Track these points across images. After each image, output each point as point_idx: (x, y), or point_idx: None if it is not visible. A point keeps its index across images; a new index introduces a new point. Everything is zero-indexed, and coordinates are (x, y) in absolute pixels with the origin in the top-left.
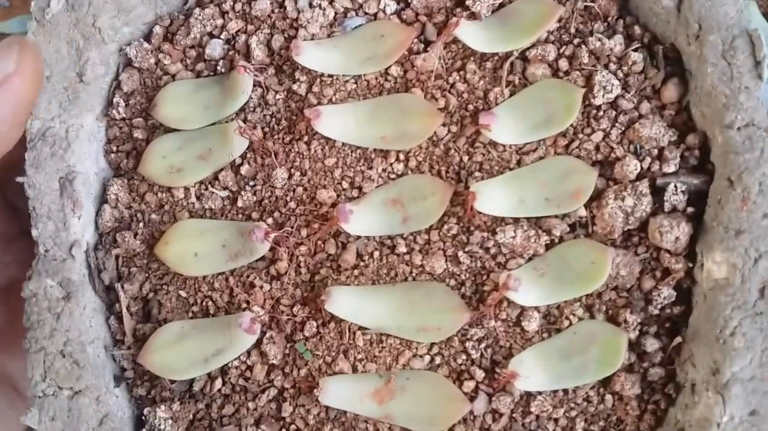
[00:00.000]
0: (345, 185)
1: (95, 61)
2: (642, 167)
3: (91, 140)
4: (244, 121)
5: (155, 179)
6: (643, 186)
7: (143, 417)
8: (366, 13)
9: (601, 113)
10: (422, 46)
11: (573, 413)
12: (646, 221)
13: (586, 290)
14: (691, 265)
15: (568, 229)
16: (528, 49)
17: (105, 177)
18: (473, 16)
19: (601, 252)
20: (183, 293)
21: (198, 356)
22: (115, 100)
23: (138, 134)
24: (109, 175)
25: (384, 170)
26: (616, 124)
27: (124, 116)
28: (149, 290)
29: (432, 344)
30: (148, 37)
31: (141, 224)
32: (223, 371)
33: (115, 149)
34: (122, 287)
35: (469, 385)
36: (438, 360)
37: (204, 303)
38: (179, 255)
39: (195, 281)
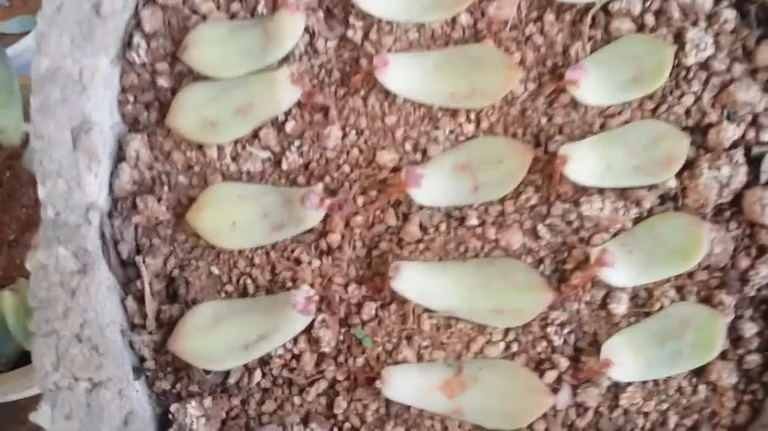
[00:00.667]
0: (408, 147)
1: None
2: (737, 135)
3: (106, 86)
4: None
5: (185, 134)
6: (739, 155)
7: (170, 415)
8: None
9: (691, 74)
10: None
11: (665, 406)
12: (739, 194)
13: (680, 268)
14: None
15: (658, 201)
16: (611, 1)
17: (120, 132)
18: None
19: (697, 226)
20: (215, 270)
21: (238, 342)
22: (135, 40)
23: (162, 82)
24: (124, 130)
25: (452, 132)
26: (708, 86)
27: (145, 60)
28: (175, 265)
29: (508, 329)
30: None
31: (166, 188)
32: (263, 361)
33: (132, 98)
34: (143, 261)
35: (551, 375)
36: (515, 347)
37: (241, 281)
38: (215, 224)
39: (230, 256)
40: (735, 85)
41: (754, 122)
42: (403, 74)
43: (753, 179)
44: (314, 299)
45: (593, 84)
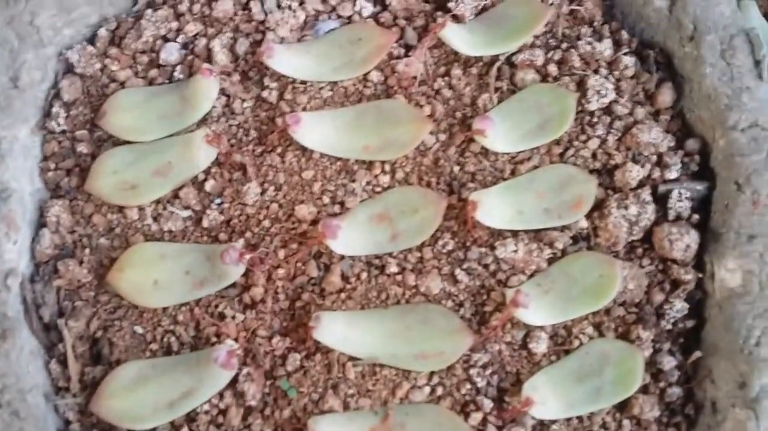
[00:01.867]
0: (326, 199)
1: (31, 65)
2: (643, 174)
3: (26, 155)
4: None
5: (105, 198)
6: (646, 194)
7: None
8: (340, 16)
9: (595, 119)
10: (403, 51)
11: None
12: (650, 231)
13: (595, 305)
14: (700, 275)
15: (571, 241)
16: (515, 54)
17: (41, 199)
18: (456, 19)
19: (609, 265)
20: (139, 329)
21: (162, 400)
22: (54, 110)
23: (82, 148)
24: (46, 196)
25: (368, 183)
26: (612, 130)
27: (65, 128)
28: (98, 327)
29: (432, 373)
30: (92, 40)
31: (87, 251)
32: (189, 418)
33: (53, 166)
34: (66, 324)
35: (476, 417)
36: (440, 390)
37: (165, 340)
38: (136, 284)
39: (153, 315)
40: (638, 128)
41: (659, 162)
42: (317, 131)
43: (661, 216)
44: (237, 353)
45: (501, 133)
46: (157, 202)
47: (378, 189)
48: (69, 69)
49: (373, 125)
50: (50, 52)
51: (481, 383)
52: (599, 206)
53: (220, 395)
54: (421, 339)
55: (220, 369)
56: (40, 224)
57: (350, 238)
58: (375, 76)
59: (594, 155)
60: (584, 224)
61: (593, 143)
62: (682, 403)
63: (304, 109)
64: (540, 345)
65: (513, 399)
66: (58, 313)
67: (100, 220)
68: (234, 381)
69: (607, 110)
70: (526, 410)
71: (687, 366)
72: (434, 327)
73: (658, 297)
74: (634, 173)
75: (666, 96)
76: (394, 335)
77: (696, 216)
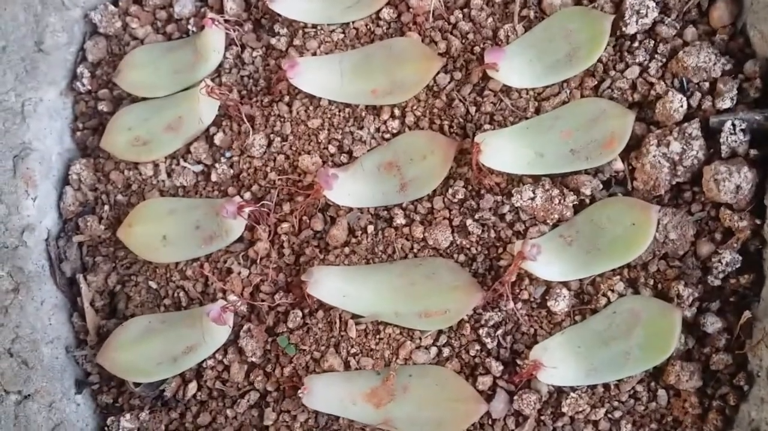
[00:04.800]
0: (332, 149)
1: (56, 28)
2: (690, 105)
3: (54, 116)
4: (220, 84)
5: (119, 155)
6: (693, 128)
7: (106, 428)
8: None
9: (636, 44)
10: None
11: (617, 413)
12: (699, 171)
13: (626, 258)
14: (759, 222)
15: (602, 186)
16: None
17: (71, 158)
18: None
19: (643, 211)
20: (153, 284)
21: (166, 354)
22: (78, 71)
23: (103, 107)
24: (77, 155)
25: (377, 130)
26: (656, 55)
27: (90, 88)
28: (116, 281)
29: (439, 332)
30: (116, 1)
31: (106, 207)
32: (199, 373)
33: (81, 126)
34: (85, 278)
35: (484, 381)
36: (446, 351)
37: (176, 294)
38: (145, 239)
39: (167, 270)
40: (686, 51)
41: (711, 90)
42: (319, 76)
43: (714, 153)
44: (230, 309)
45: (520, 66)
46: (172, 157)
47: (387, 136)
48: (94, 30)
49: (380, 67)
50: (76, 14)
51: (491, 344)
52: (637, 144)
53: (225, 350)
54: (425, 295)
55: (214, 325)
56: (67, 182)
57: (356, 189)
58: (387, 13)
59: (633, 86)
60: (619, 165)
61: (632, 72)
62: (731, 372)
63: (314, 54)
64: (560, 303)
65: (526, 363)
66: (81, 268)
67: (117, 177)
68: (236, 338)
69: (651, 32)
70: (534, 375)
71: (738, 329)
72: (440, 283)
73: (706, 249)
74: (676, 103)
75: (722, 12)
76: (397, 291)
77: (754, 152)
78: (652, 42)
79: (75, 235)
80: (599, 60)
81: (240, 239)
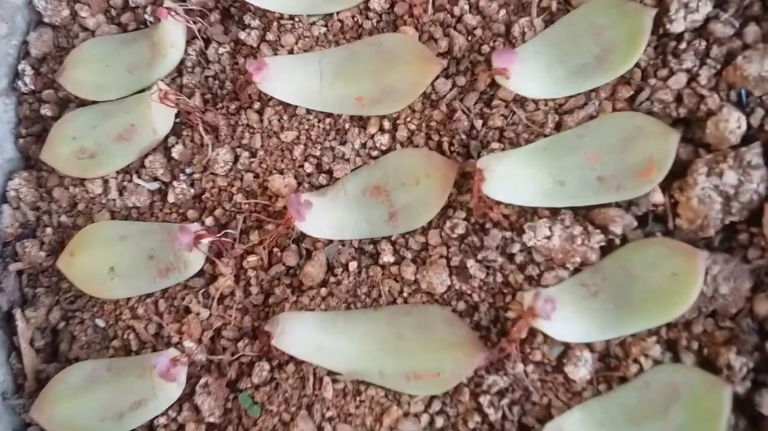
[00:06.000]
0: (309, 167)
1: None
2: (750, 125)
3: None
4: (180, 87)
5: (62, 169)
6: (753, 153)
7: None
8: None
9: (683, 45)
10: None
11: None
12: (760, 209)
13: (664, 317)
14: None
15: (636, 223)
16: None
17: (12, 170)
18: None
19: (688, 258)
20: (101, 323)
21: (111, 410)
22: (20, 67)
23: (47, 111)
24: (20, 166)
25: (363, 146)
26: (708, 60)
27: (33, 87)
28: (59, 318)
29: (431, 397)
30: None
31: (49, 230)
32: (150, 429)
33: (24, 132)
34: (23, 313)
35: None
36: (440, 421)
37: (126, 336)
38: (89, 271)
39: (116, 306)
40: (746, 56)
41: None
42: (295, 79)
43: None
44: (183, 361)
45: (536, 71)
46: (125, 172)
47: (375, 153)
48: (39, 19)
49: (368, 69)
50: (17, 1)
51: (494, 415)
52: (681, 172)
53: (179, 407)
54: (416, 351)
55: (161, 380)
56: (5, 199)
57: (336, 217)
58: (378, 3)
59: (678, 98)
60: (659, 198)
61: (677, 81)
62: None
63: (290, 51)
64: (580, 369)
65: None
66: (21, 301)
67: (62, 194)
68: (192, 392)
69: (701, 31)
70: None
71: None
72: (433, 337)
73: (765, 307)
74: (734, 122)
75: None
76: (383, 344)
77: None
78: (704, 43)
79: (12, 262)
80: (636, 65)
81: (200, 274)
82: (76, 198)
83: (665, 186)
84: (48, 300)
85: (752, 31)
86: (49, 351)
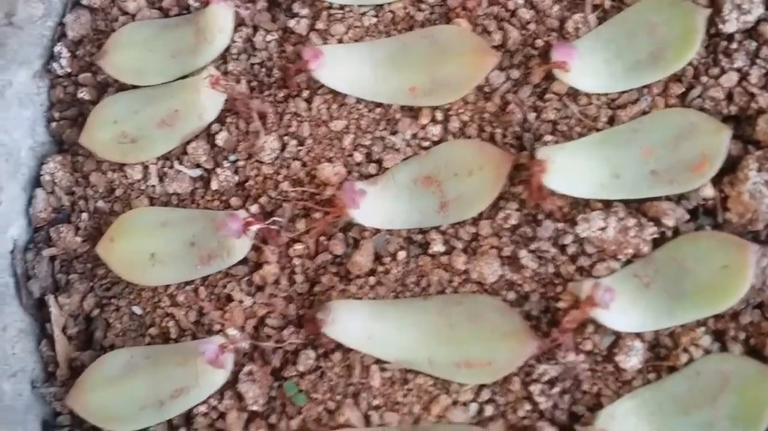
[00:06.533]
0: (359, 157)
1: None
2: None
3: (25, 102)
4: (225, 73)
5: (101, 153)
6: None
7: None
8: None
9: (734, 45)
10: None
11: None
12: None
13: (716, 308)
14: None
15: (688, 217)
16: None
17: (45, 154)
18: None
19: (740, 250)
20: (138, 310)
21: (151, 398)
22: (56, 49)
23: (84, 94)
24: (52, 150)
25: (414, 136)
26: (758, 60)
27: (69, 70)
28: (93, 305)
29: (481, 386)
30: None
31: (84, 215)
32: (188, 419)
33: (58, 115)
34: (56, 300)
35: None
36: (489, 409)
37: (164, 324)
38: (130, 257)
39: (154, 294)
40: None
41: None
42: (348, 69)
43: None
44: (231, 349)
45: (592, 66)
46: (166, 158)
47: (426, 143)
48: (77, 1)
49: (421, 60)
50: None
51: (545, 404)
52: (733, 167)
53: (221, 395)
54: (467, 340)
55: (209, 366)
56: (38, 183)
57: (386, 207)
58: None
59: (729, 97)
60: (709, 192)
61: (729, 79)
62: None
63: (340, 41)
64: (631, 359)
65: (587, 430)
66: (53, 287)
67: (99, 179)
68: (235, 380)
69: (752, 32)
70: None
71: None
72: (485, 327)
73: None
74: None
75: None
76: (433, 334)
77: None
78: (755, 44)
79: (46, 248)
80: (688, 63)
81: (243, 261)
82: (113, 184)
83: (715, 181)
84: (82, 287)
85: None
86: (83, 338)
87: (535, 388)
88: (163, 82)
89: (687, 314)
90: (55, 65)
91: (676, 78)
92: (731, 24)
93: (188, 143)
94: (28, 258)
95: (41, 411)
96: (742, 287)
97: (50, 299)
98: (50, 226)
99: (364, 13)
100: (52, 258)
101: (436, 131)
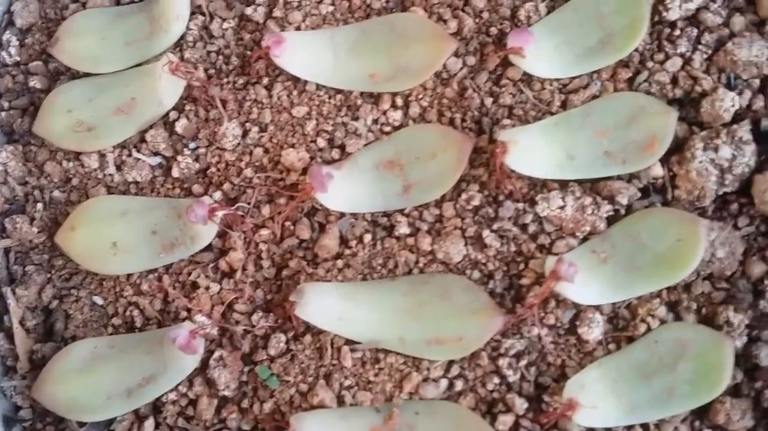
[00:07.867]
0: (321, 142)
1: None
2: (740, 104)
3: None
4: (181, 59)
5: (57, 142)
6: (743, 130)
7: None
8: None
9: (677, 32)
10: None
11: None
12: (749, 181)
13: (670, 279)
14: None
15: (639, 194)
16: None
17: None
18: None
19: (690, 225)
20: (99, 300)
21: (118, 386)
22: (4, 38)
23: (36, 83)
24: (2, 140)
25: (375, 121)
26: (700, 46)
27: (18, 59)
28: (52, 296)
29: (450, 362)
30: None
31: (39, 205)
32: (156, 407)
33: (8, 105)
34: (13, 292)
35: (505, 421)
36: (459, 385)
37: (128, 313)
38: (90, 246)
39: (116, 283)
40: (735, 42)
41: (763, 88)
42: (309, 55)
43: (765, 161)
44: (203, 333)
45: (546, 52)
46: (122, 146)
47: (387, 128)
48: None
49: (381, 47)
50: None
51: (513, 377)
52: (680, 147)
53: (189, 382)
54: (436, 319)
55: (180, 352)
56: None
57: (350, 191)
58: None
59: (674, 80)
60: (659, 171)
61: (674, 64)
62: None
63: (297, 28)
64: (593, 330)
65: (554, 399)
66: (9, 280)
67: (54, 169)
68: (204, 366)
69: (694, 20)
70: (569, 415)
71: None
72: (453, 304)
73: (758, 269)
74: (728, 102)
75: None
76: (402, 313)
77: None
78: (696, 31)
79: (1, 239)
80: (635, 50)
81: (208, 248)
82: (69, 173)
83: (663, 161)
84: (40, 278)
85: (738, 21)
86: (41, 331)
87: (502, 362)
88: (117, 71)
89: (643, 287)
90: (3, 54)
91: (624, 64)
92: (674, 12)
93: (146, 131)
94: None
95: (1, 406)
96: (695, 259)
97: (6, 291)
98: (4, 217)
99: (320, 1)
100: (7, 250)
101: (396, 116)
